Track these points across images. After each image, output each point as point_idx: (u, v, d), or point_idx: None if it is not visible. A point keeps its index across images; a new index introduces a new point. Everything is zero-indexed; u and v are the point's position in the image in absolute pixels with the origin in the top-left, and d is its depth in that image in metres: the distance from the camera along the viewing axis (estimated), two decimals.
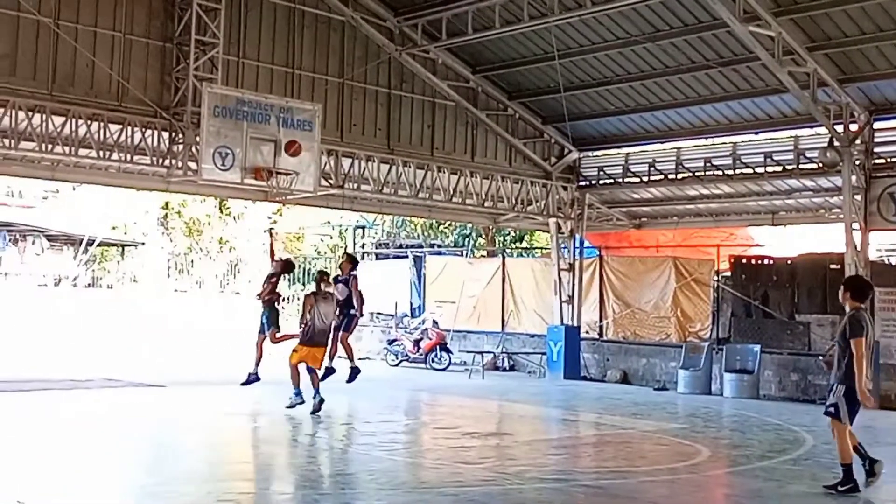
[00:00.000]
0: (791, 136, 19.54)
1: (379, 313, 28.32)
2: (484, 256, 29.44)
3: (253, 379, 15.11)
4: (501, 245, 31.51)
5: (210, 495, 8.15)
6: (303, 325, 13.83)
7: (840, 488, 8.95)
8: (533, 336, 23.97)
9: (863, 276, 9.67)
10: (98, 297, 34.14)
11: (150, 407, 14.76)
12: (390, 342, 25.11)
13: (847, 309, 9.18)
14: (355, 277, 15.42)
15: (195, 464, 10.01)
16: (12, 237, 36.63)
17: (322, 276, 14.61)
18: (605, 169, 22.52)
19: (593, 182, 22.75)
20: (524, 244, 33.31)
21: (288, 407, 13.60)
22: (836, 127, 17.59)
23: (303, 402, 13.63)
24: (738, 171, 20.21)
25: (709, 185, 21.32)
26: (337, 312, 14.41)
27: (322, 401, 13.47)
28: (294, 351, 13.80)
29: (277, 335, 15.17)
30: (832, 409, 9.01)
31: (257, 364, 15.15)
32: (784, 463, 10.82)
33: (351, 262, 15.99)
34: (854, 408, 8.98)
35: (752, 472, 10.24)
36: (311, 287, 14.60)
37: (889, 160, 17.82)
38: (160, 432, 12.42)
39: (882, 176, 17.70)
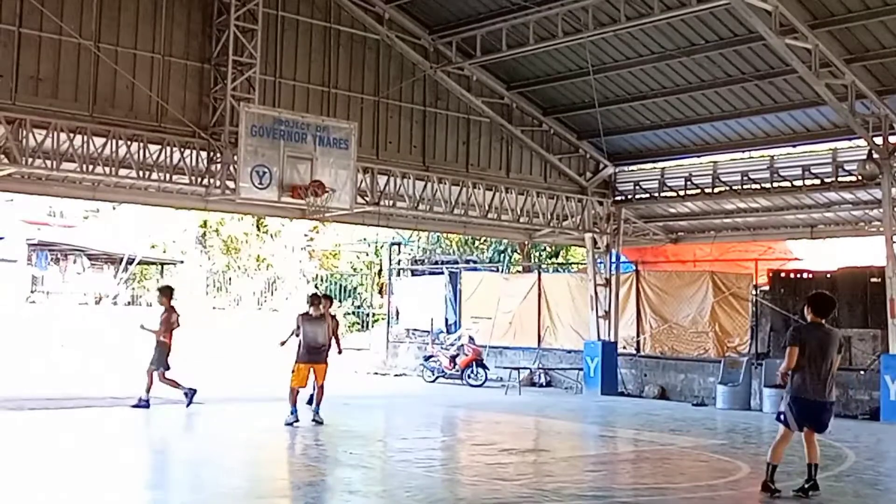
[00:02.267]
0: (829, 149, 19.37)
1: (415, 329, 28.39)
2: (520, 272, 29.39)
3: (143, 405, 15.38)
4: (537, 260, 31.47)
5: None
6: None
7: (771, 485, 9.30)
8: (570, 352, 23.89)
9: (825, 293, 9.87)
10: (137, 314, 34.49)
11: (188, 424, 14.89)
12: (426, 358, 25.15)
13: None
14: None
15: (234, 480, 10.09)
16: (54, 256, 37.18)
17: (313, 298, 15.05)
18: (640, 183, 22.45)
19: (629, 197, 22.68)
20: (560, 259, 33.24)
21: (286, 424, 14.00)
22: (874, 139, 17.43)
23: (298, 420, 14.11)
24: (775, 185, 20.05)
25: (746, 199, 21.17)
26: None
27: (318, 418, 14.23)
28: (292, 371, 14.42)
29: (166, 375, 15.64)
30: (781, 417, 9.49)
31: (148, 391, 15.58)
32: (826, 479, 10.63)
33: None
34: (802, 416, 9.27)
35: (791, 489, 10.11)
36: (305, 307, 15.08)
37: None
38: (199, 449, 12.53)
39: None
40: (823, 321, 9.37)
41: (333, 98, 19.03)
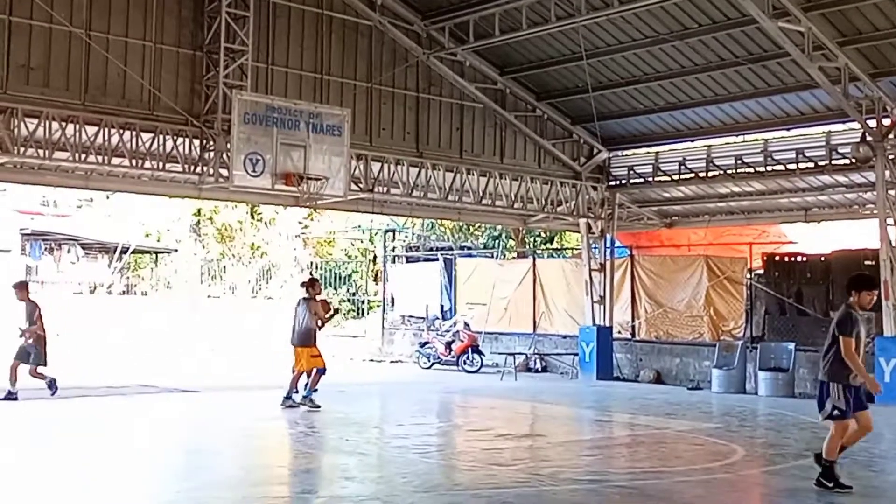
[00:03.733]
0: (823, 132, 19.37)
1: (410, 316, 28.40)
2: (514, 258, 29.41)
3: (12, 397, 14.96)
4: (532, 246, 31.47)
5: (245, 500, 8.22)
6: None
7: (829, 483, 8.81)
8: (565, 337, 23.93)
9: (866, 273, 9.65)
10: (132, 303, 34.48)
11: (185, 412, 14.91)
12: (422, 345, 25.18)
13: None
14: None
15: (230, 468, 10.10)
16: (48, 246, 37.09)
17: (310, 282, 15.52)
18: (634, 168, 22.44)
19: (623, 181, 22.67)
20: (555, 245, 33.25)
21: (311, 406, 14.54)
22: (868, 122, 17.41)
23: (295, 404, 14.59)
24: (769, 168, 20.05)
25: (740, 183, 21.17)
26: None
27: (309, 399, 14.68)
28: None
29: (38, 370, 15.32)
30: (837, 412, 8.82)
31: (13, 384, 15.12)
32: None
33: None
34: (856, 403, 8.84)
35: (788, 472, 10.18)
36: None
37: None
38: (195, 437, 12.54)
39: None
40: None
41: (326, 85, 18.96)
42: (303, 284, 15.52)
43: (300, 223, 38.72)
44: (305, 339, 14.72)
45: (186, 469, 10.15)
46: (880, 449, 12.03)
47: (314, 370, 14.73)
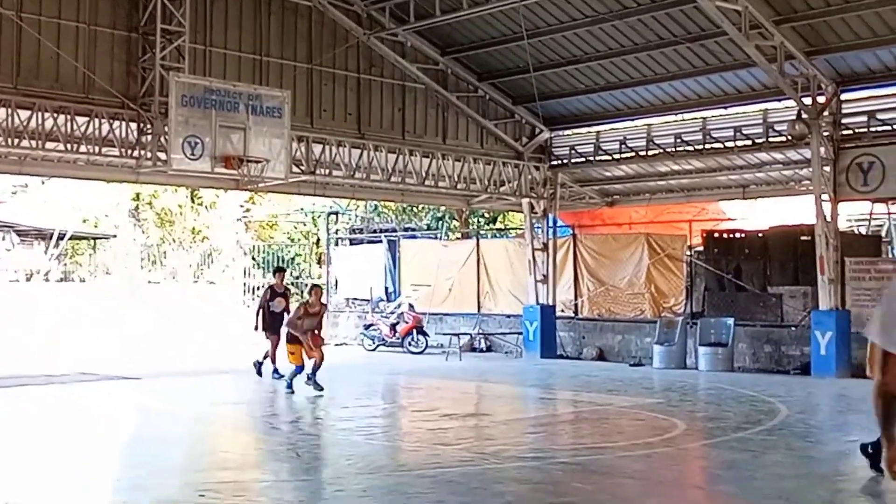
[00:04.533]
0: (760, 110, 19.65)
1: (354, 299, 28.32)
2: (458, 239, 29.44)
3: None
4: (475, 227, 31.54)
5: (190, 486, 8.15)
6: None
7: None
8: (509, 317, 24.06)
9: None
10: (71, 290, 33.84)
11: (125, 399, 14.71)
12: (367, 327, 25.13)
13: None
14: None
15: (175, 455, 10.00)
16: None
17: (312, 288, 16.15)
18: (576, 148, 22.57)
19: (565, 161, 22.79)
20: (498, 225, 33.35)
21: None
22: (803, 99, 17.71)
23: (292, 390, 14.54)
24: (707, 147, 20.30)
25: (680, 161, 21.42)
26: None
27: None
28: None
29: None
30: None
31: None
32: (759, 434, 10.94)
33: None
34: None
35: (727, 444, 10.36)
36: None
37: (856, 131, 17.98)
38: (137, 424, 12.38)
39: (850, 147, 17.84)
40: None
41: (266, 66, 18.75)
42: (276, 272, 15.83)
43: (241, 206, 38.31)
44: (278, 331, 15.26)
45: (131, 456, 10.02)
46: (816, 420, 12.34)
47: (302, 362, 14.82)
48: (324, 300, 16.32)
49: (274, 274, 18.81)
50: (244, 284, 32.42)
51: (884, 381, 2.84)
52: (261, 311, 17.06)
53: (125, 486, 8.23)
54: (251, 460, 9.94)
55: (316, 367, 14.66)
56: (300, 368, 14.69)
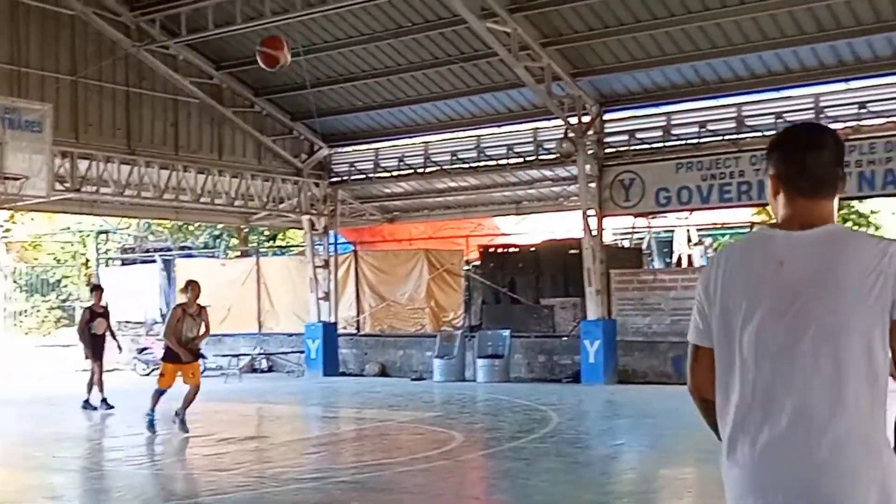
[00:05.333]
0: (531, 129, 20.40)
1: (127, 321, 27.06)
2: (237, 257, 28.80)
3: None
4: (255, 244, 30.96)
5: None
6: None
7: None
8: (291, 335, 23.72)
9: None
10: None
11: None
12: (140, 350, 24.06)
13: None
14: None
15: None
16: None
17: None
18: (356, 164, 22.64)
19: (345, 178, 22.81)
20: (278, 243, 32.90)
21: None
22: (570, 119, 18.54)
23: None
24: (482, 164, 20.89)
25: (456, 178, 21.89)
26: None
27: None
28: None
29: None
30: None
31: None
32: (532, 442, 11.28)
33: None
34: None
35: (502, 454, 10.62)
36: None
37: (618, 149, 19.00)
38: None
39: (613, 164, 18.83)
40: None
41: (25, 77, 17.66)
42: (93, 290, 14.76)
43: (0, 226, 35.85)
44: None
45: None
46: (585, 426, 12.87)
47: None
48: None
49: (91, 292, 17.33)
50: (3, 310, 30.35)
51: (692, 384, 2.72)
52: (82, 335, 15.96)
53: None
54: (7, 497, 9.24)
55: (189, 400, 12.80)
56: (162, 392, 12.87)
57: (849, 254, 2.46)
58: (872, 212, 21.38)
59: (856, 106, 16.77)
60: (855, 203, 20.80)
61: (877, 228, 21.75)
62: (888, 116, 16.45)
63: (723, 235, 25.39)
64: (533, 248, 22.22)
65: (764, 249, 2.54)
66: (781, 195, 2.60)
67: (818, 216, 2.54)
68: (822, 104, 17.06)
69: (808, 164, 2.56)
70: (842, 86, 17.08)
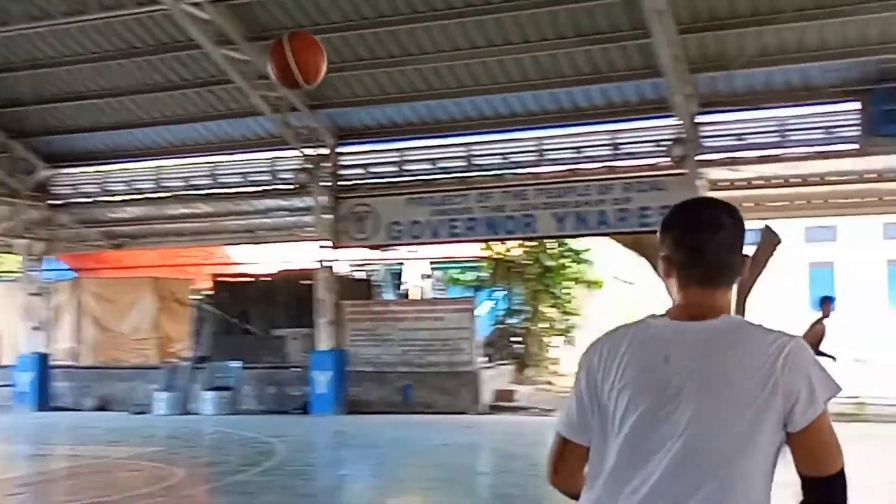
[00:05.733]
0: (268, 158, 20.21)
1: None
2: None
3: None
4: None
5: None
6: None
7: None
8: (1, 368, 22.03)
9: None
10: None
11: None
12: None
13: None
14: None
15: None
16: None
17: None
18: (80, 187, 21.51)
19: (67, 201, 21.59)
20: None
21: None
22: (306, 150, 18.58)
23: None
24: (216, 191, 20.46)
25: (189, 205, 21.25)
26: None
27: None
28: None
29: None
30: None
31: None
32: (256, 475, 11.09)
33: None
34: None
35: (225, 489, 10.39)
36: None
37: (354, 182, 19.23)
38: None
39: (348, 197, 19.00)
40: None
41: None
42: None
43: None
44: None
45: None
46: (311, 457, 12.83)
47: None
48: None
49: None
50: None
51: (554, 480, 2.40)
52: None
53: None
54: None
55: None
56: None
57: (739, 351, 2.17)
58: (585, 249, 22.85)
59: (573, 150, 17.95)
60: (570, 241, 22.06)
61: (590, 264, 23.24)
62: (602, 161, 17.71)
63: (452, 269, 26.20)
64: (267, 279, 21.98)
65: (652, 340, 2.25)
66: (674, 280, 2.32)
67: (709, 306, 2.25)
68: (543, 147, 18.12)
69: (700, 249, 2.28)
70: (561, 130, 18.21)
